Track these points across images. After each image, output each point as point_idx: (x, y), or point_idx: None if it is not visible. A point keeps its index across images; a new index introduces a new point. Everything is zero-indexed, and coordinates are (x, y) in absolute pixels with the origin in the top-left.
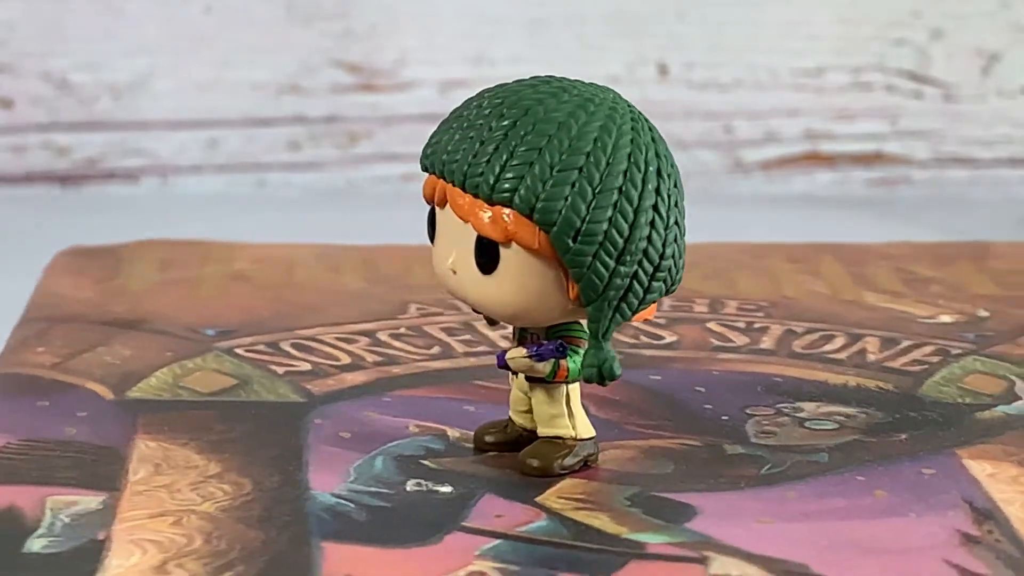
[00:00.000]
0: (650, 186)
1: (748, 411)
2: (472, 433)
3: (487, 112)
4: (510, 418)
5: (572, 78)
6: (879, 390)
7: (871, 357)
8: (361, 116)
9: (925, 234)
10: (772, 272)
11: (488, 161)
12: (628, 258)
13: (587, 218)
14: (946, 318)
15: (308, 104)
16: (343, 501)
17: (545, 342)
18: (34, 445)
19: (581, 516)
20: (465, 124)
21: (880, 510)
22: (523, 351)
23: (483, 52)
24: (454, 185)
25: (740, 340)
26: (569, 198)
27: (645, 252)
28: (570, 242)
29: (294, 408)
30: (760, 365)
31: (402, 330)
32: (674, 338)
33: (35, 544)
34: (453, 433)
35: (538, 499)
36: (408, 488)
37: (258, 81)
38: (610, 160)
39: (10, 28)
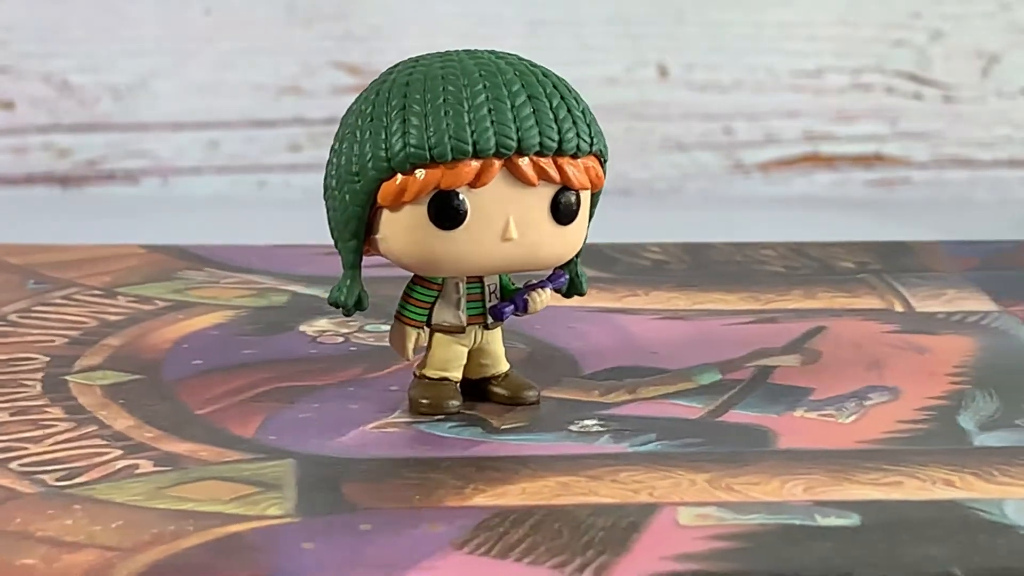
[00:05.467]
0: None
1: None
2: None
3: (500, 84)
4: (445, 379)
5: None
6: None
7: None
8: None
9: (925, 235)
10: None
11: (572, 121)
12: None
13: None
14: None
15: (308, 105)
16: None
17: (535, 280)
18: None
19: None
20: (489, 100)
21: None
22: (547, 291)
23: None
24: (537, 153)
25: None
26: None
27: None
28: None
29: None
30: None
31: None
32: None
33: None
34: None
35: None
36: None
37: (258, 82)
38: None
39: (10, 29)
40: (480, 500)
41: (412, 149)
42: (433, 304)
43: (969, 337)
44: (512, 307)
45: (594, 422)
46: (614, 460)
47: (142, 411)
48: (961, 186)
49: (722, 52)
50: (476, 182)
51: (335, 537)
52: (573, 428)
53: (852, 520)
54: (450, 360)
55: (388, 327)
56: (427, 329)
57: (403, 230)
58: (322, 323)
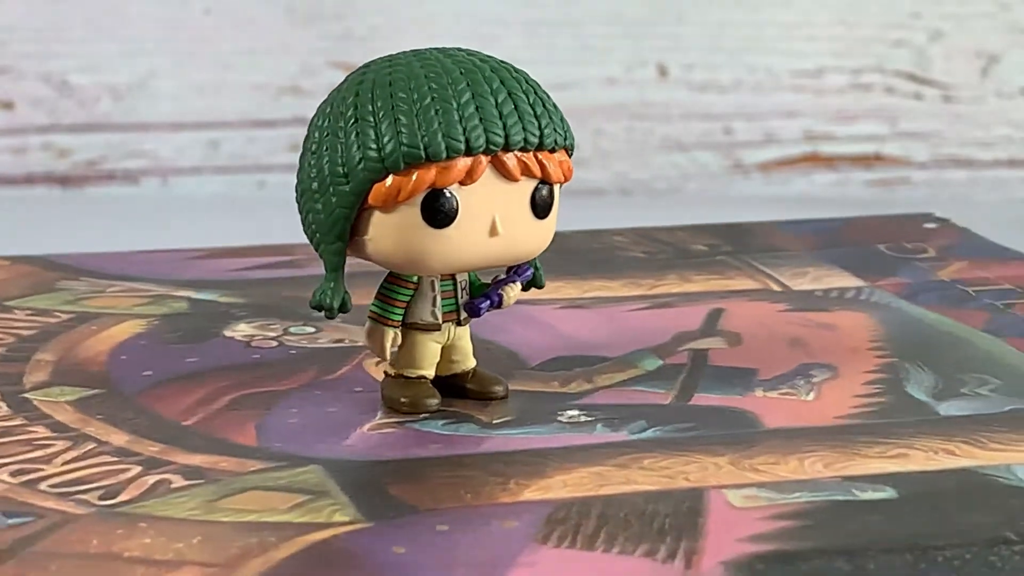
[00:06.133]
0: None
1: None
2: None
3: (480, 81)
4: (422, 377)
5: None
6: None
7: None
8: None
9: None
10: None
11: (549, 117)
12: None
13: None
14: None
15: (308, 105)
16: None
17: (503, 276)
18: None
19: None
20: (474, 97)
21: None
22: (517, 285)
23: None
24: (523, 148)
25: None
26: None
27: None
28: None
29: None
30: None
31: None
32: None
33: None
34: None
35: None
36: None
37: (258, 82)
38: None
39: (10, 29)
40: (530, 495)
41: (406, 148)
42: (408, 303)
43: (862, 313)
44: (488, 302)
45: (577, 412)
46: (627, 448)
47: (127, 425)
48: (961, 186)
49: (722, 52)
50: (466, 179)
51: (420, 539)
52: (562, 419)
53: (889, 493)
54: (425, 358)
55: (313, 329)
56: (401, 328)
57: (394, 230)
58: (243, 328)
